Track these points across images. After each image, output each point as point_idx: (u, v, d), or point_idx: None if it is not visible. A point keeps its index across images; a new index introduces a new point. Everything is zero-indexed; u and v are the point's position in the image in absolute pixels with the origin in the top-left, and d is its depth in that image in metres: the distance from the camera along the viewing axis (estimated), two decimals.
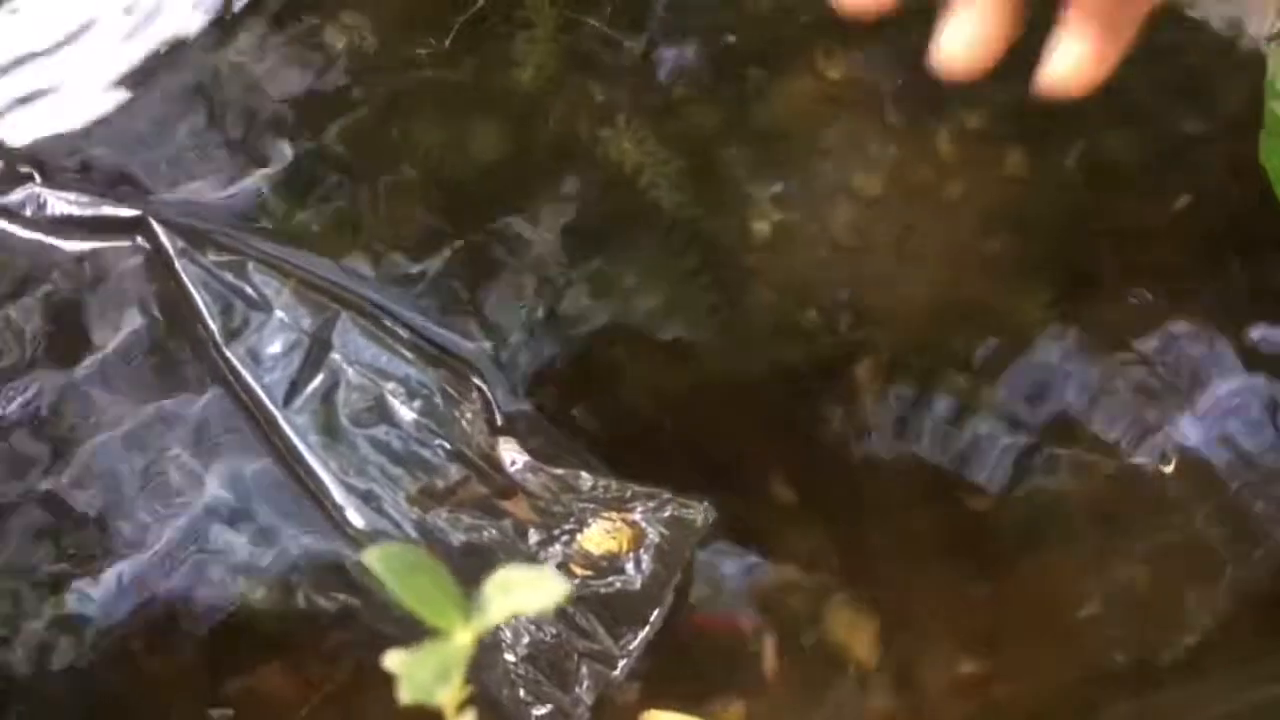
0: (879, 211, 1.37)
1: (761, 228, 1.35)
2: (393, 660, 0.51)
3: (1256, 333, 1.33)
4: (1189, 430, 1.29)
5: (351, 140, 1.35)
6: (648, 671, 1.14)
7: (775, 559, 1.22)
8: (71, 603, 1.23)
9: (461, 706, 0.51)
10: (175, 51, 1.40)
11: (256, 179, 1.32)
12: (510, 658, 1.11)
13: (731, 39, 1.44)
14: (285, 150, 1.34)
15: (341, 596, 1.18)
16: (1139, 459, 1.27)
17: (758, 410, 1.30)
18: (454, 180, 1.34)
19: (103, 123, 1.32)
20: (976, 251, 1.36)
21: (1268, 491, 1.25)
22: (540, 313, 1.29)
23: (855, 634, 1.19)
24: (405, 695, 0.50)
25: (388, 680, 0.54)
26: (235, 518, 1.21)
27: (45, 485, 1.23)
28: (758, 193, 1.36)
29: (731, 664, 1.19)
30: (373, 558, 0.51)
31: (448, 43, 1.40)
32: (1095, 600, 1.22)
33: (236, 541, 1.21)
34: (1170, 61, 1.44)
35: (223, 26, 1.41)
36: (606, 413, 1.25)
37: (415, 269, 1.29)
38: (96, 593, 1.22)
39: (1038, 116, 1.38)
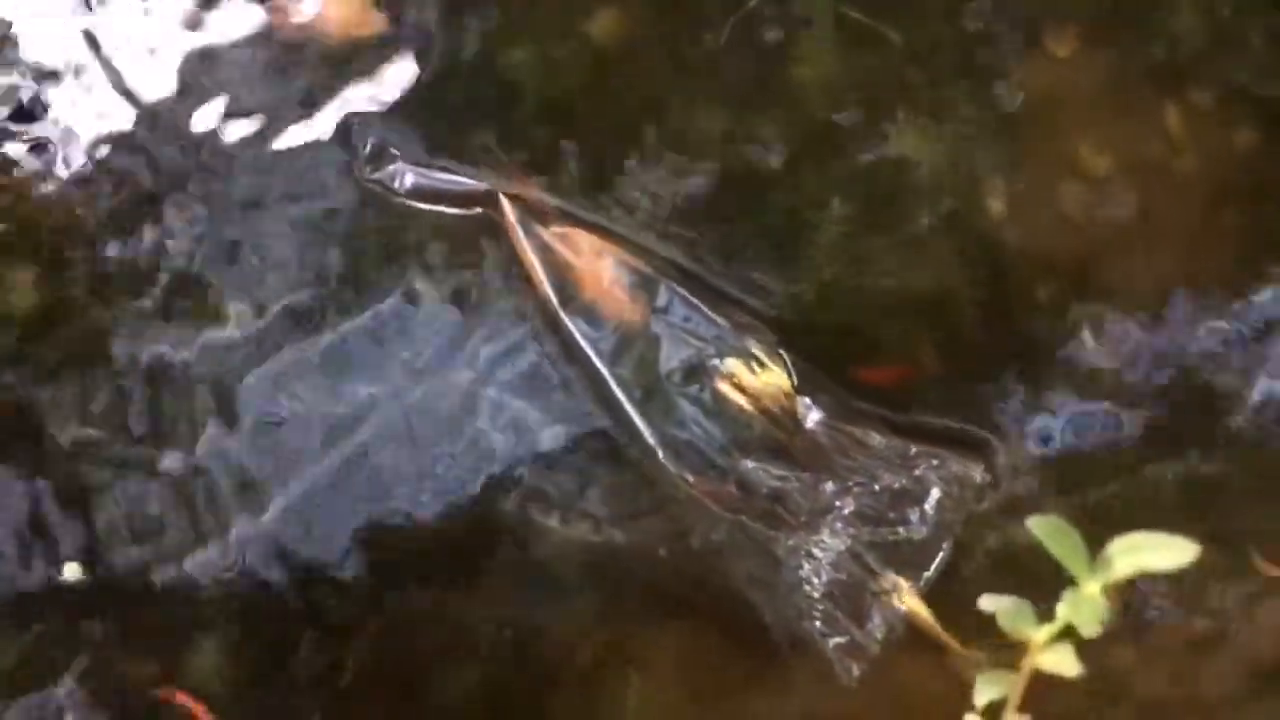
0: (1109, 188, 1.38)
1: (997, 205, 1.37)
2: (988, 601, 0.57)
3: None
4: None
5: (637, 130, 1.38)
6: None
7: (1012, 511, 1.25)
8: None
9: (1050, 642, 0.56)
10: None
11: (558, 159, 1.36)
12: (811, 593, 1.16)
13: (971, 24, 1.44)
14: (576, 137, 1.37)
15: (662, 550, 1.23)
16: None
17: (1006, 373, 1.32)
18: (737, 167, 1.37)
19: (432, 107, 1.37)
20: (1209, 227, 1.36)
21: None
22: (824, 282, 1.33)
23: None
24: (1005, 628, 0.56)
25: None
26: (555, 461, 1.27)
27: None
28: (995, 171, 1.38)
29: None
30: (1034, 524, 0.58)
31: (722, 39, 1.42)
32: None
33: (555, 480, 1.26)
34: None
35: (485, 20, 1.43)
36: (885, 373, 1.29)
37: (712, 244, 1.33)
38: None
39: (1268, 93, 1.39)
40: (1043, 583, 1.21)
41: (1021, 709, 0.61)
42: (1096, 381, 1.31)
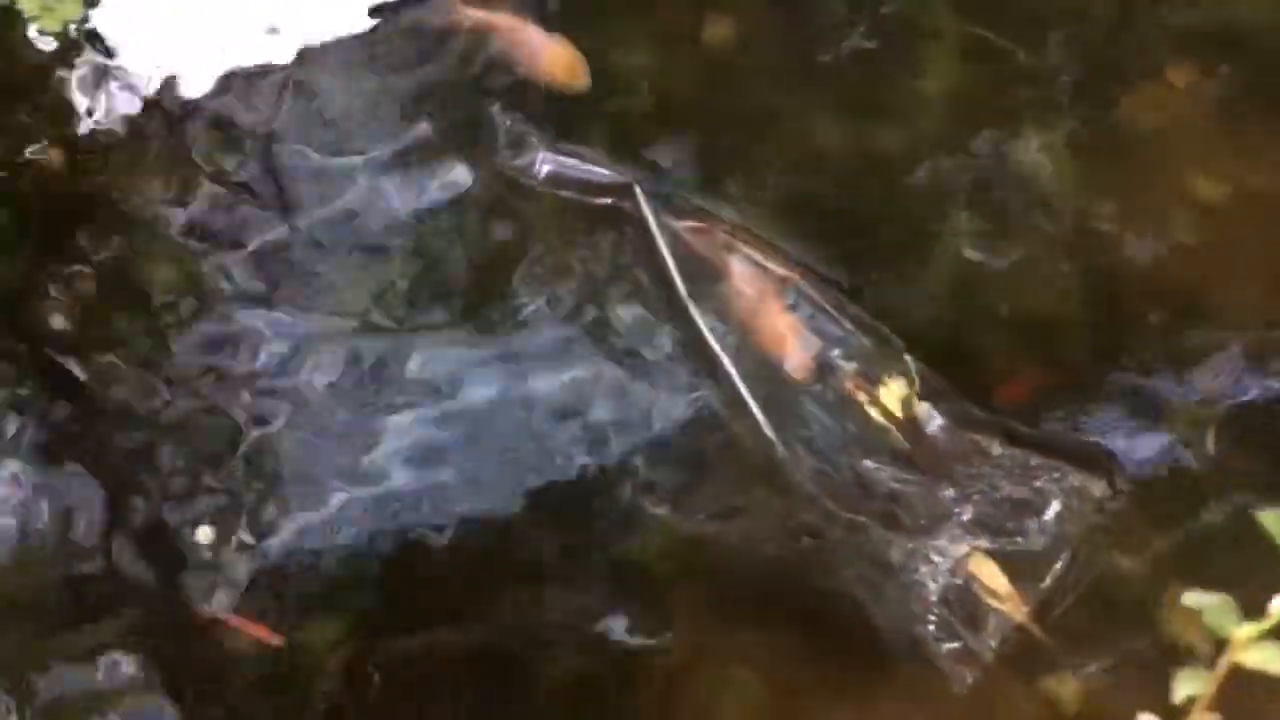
0: (1222, 217, 1.37)
1: (1113, 227, 1.37)
2: (1192, 598, 0.57)
3: None
4: None
5: (754, 135, 1.39)
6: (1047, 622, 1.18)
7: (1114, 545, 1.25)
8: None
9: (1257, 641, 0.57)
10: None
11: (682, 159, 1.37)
12: (926, 596, 1.16)
13: (1094, 49, 1.45)
14: (699, 138, 1.38)
15: (771, 547, 1.23)
16: None
17: (1112, 394, 1.31)
18: (859, 173, 1.38)
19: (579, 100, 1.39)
20: None
21: None
22: (944, 292, 1.34)
23: (1190, 626, 1.20)
24: (1209, 622, 0.56)
25: None
26: (671, 451, 1.27)
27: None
28: (1112, 193, 1.37)
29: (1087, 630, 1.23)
30: (1263, 517, 0.58)
31: (844, 48, 1.42)
32: None
33: (670, 471, 1.27)
34: None
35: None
36: (1005, 385, 1.29)
37: (834, 247, 1.33)
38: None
39: None
40: (1135, 602, 1.23)
41: (1211, 708, 0.61)
42: (1201, 407, 1.30)
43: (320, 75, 1.40)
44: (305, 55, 1.41)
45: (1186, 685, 0.60)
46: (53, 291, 1.33)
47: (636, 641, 1.24)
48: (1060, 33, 1.44)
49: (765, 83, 1.41)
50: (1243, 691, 0.67)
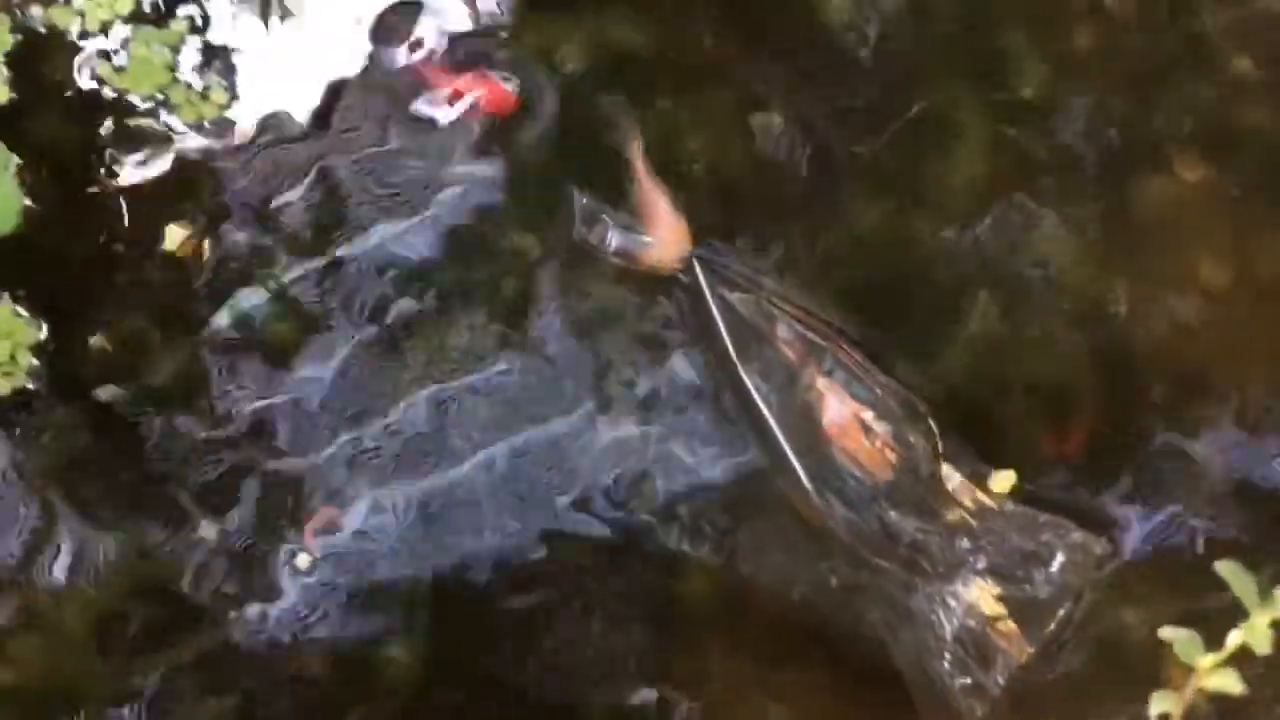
0: (1226, 303, 1.47)
1: (1123, 309, 1.47)
2: (1166, 631, 0.69)
3: None
4: None
5: (797, 214, 1.48)
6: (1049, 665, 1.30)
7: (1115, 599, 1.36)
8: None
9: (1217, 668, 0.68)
10: None
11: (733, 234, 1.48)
12: (942, 635, 1.28)
13: (1109, 145, 1.53)
14: (745, 217, 1.48)
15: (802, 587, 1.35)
16: None
17: (1115, 465, 1.43)
18: (890, 253, 1.48)
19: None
20: None
21: None
22: (965, 363, 1.45)
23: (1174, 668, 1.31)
24: (1180, 656, 0.68)
25: None
26: (715, 500, 1.40)
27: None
28: (1124, 277, 1.48)
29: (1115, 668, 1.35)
30: (1220, 567, 0.70)
31: (879, 138, 1.51)
32: None
33: (713, 518, 1.39)
34: None
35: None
36: (1025, 449, 1.41)
37: (868, 319, 1.44)
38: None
39: None
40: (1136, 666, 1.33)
41: None
42: (1198, 482, 1.41)
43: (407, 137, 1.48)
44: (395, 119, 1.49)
45: (1160, 704, 0.72)
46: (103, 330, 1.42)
47: (675, 679, 1.36)
48: (1078, 129, 1.53)
49: (808, 167, 1.50)
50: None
